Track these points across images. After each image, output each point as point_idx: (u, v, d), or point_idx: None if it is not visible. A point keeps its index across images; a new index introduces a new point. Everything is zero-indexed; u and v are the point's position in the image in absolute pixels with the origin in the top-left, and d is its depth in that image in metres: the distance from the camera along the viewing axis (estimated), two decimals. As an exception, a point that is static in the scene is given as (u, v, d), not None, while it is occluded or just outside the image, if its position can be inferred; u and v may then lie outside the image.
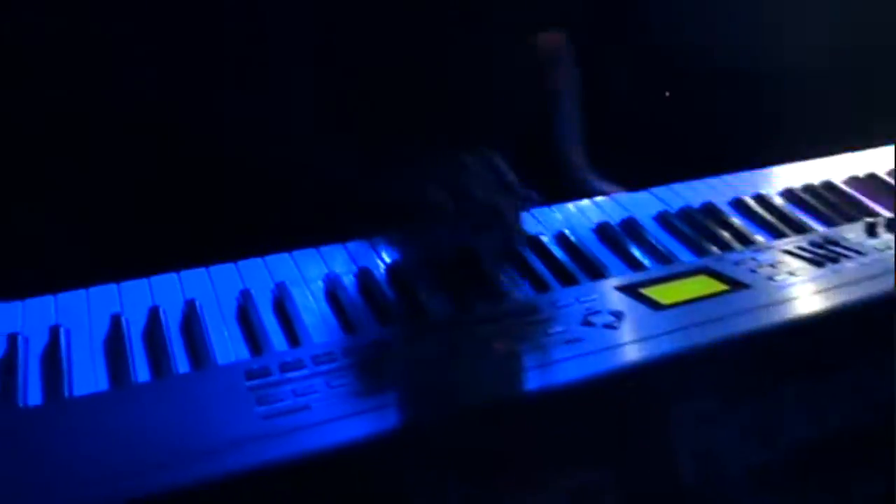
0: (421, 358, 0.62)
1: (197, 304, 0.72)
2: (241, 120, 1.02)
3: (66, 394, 0.62)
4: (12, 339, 0.67)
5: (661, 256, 0.83)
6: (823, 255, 0.79)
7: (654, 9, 1.33)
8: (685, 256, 0.84)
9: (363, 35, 0.99)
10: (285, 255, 0.80)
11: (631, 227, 0.88)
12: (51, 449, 0.53)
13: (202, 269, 0.77)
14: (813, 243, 0.82)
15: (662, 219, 0.91)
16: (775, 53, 1.27)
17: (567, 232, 0.86)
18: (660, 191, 0.97)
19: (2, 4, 0.94)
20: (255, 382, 0.59)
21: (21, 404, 0.61)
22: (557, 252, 0.82)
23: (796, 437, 0.68)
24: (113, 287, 0.75)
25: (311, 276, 0.77)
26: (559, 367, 0.61)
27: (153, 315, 0.70)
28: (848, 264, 0.77)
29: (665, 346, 0.63)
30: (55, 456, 0.52)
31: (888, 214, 0.90)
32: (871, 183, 1.03)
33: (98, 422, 0.55)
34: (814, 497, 0.71)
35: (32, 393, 0.62)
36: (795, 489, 0.69)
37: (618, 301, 0.70)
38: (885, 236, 0.83)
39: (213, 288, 0.75)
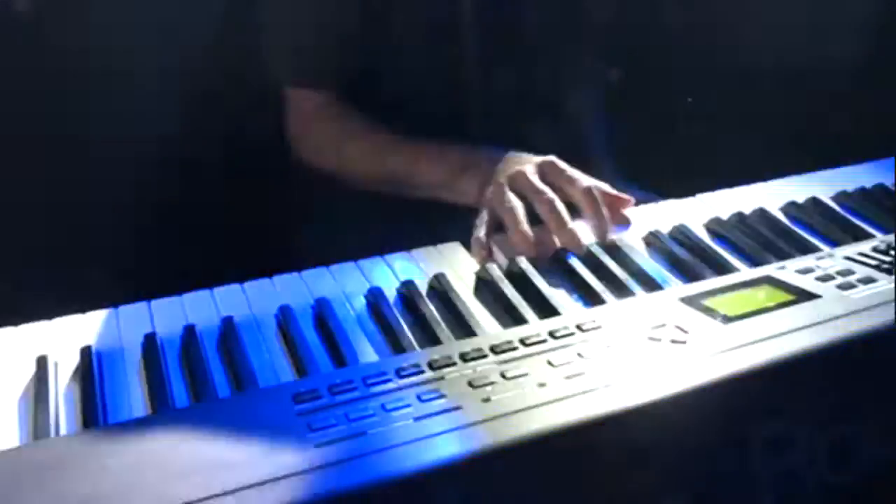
0: (479, 379, 0.58)
1: (235, 321, 0.68)
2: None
3: (101, 421, 0.58)
4: (41, 362, 0.63)
5: (717, 265, 0.79)
6: (891, 263, 0.74)
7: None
8: (741, 265, 0.80)
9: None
10: (322, 270, 0.76)
11: (682, 236, 0.84)
12: (85, 482, 0.49)
13: (236, 286, 0.74)
14: (877, 249, 0.78)
15: (713, 226, 0.87)
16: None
17: (617, 241, 0.81)
18: (708, 197, 0.93)
19: None
20: (304, 406, 0.55)
21: (52, 433, 0.57)
22: (609, 262, 0.78)
23: (877, 457, 0.64)
24: (143, 305, 0.71)
25: (352, 290, 0.73)
26: (629, 385, 0.57)
27: (189, 335, 0.66)
28: (916, 271, 0.73)
29: (740, 361, 0.59)
30: (89, 490, 0.48)
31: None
32: (925, 186, 0.99)
33: (135, 451, 0.52)
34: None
35: (65, 420, 0.58)
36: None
37: (681, 314, 0.66)
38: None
39: (248, 305, 0.71)
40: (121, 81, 0.98)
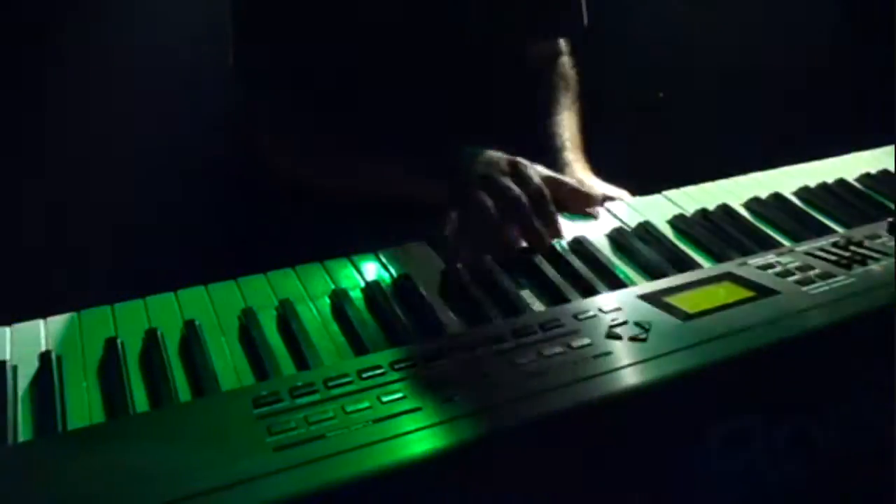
0: (438, 380, 0.58)
1: (197, 324, 0.67)
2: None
3: (59, 427, 0.57)
4: None
5: (679, 262, 0.79)
6: (849, 258, 0.75)
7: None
8: (704, 262, 0.81)
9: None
10: (288, 271, 0.76)
11: (646, 233, 0.85)
12: (42, 490, 0.48)
13: (200, 288, 0.73)
14: (836, 245, 0.79)
15: (677, 222, 0.88)
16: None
17: (581, 239, 0.82)
18: (672, 194, 0.94)
19: None
20: (264, 410, 0.55)
21: (10, 439, 0.56)
22: (574, 260, 0.78)
23: (839, 452, 0.65)
24: (106, 309, 0.70)
25: (317, 292, 0.73)
26: (590, 384, 0.57)
27: (150, 338, 0.66)
28: (876, 266, 0.74)
29: (698, 357, 0.60)
30: (46, 498, 0.48)
31: (909, 213, 0.87)
32: (885, 180, 1.00)
33: (94, 458, 0.51)
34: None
35: (22, 427, 0.58)
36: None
37: (642, 311, 0.67)
38: (909, 236, 0.80)
39: (212, 307, 0.71)
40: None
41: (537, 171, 0.81)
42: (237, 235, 1.00)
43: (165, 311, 0.70)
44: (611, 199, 0.80)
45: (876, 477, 0.68)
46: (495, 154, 0.84)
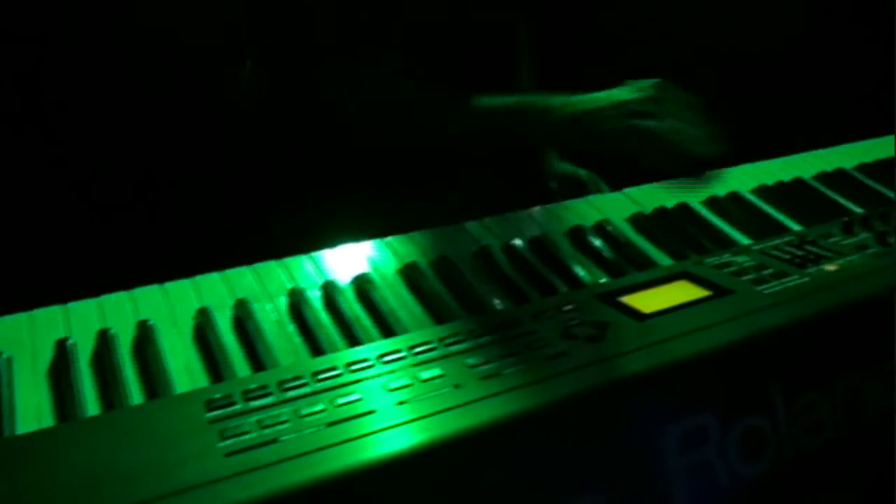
0: (395, 383, 0.58)
1: (151, 325, 0.67)
2: None
3: (7, 431, 0.56)
4: (-54, 370, 0.62)
5: (637, 261, 0.80)
6: (803, 257, 0.76)
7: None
8: (662, 260, 0.81)
9: None
10: (244, 269, 0.75)
11: (605, 231, 0.85)
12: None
13: (155, 287, 0.72)
14: (791, 244, 0.80)
15: (636, 221, 0.88)
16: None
17: (541, 238, 0.82)
18: (633, 191, 0.94)
19: None
20: (217, 413, 0.54)
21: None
22: (532, 259, 0.78)
23: (791, 448, 0.65)
24: (57, 309, 0.69)
25: (274, 291, 0.73)
26: (542, 385, 0.57)
27: (102, 339, 0.65)
28: (829, 266, 0.75)
29: (652, 358, 0.60)
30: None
31: (861, 212, 0.88)
32: (841, 180, 1.01)
33: (43, 464, 0.50)
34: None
35: (-31, 431, 0.57)
36: (790, 500, 0.66)
37: (599, 311, 0.67)
38: (863, 234, 0.81)
39: (168, 306, 0.70)
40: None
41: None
42: (204, 230, 0.98)
43: (119, 311, 0.69)
44: None
45: (830, 474, 0.69)
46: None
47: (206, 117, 1.05)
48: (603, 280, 0.76)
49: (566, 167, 1.19)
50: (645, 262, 0.80)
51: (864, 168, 1.04)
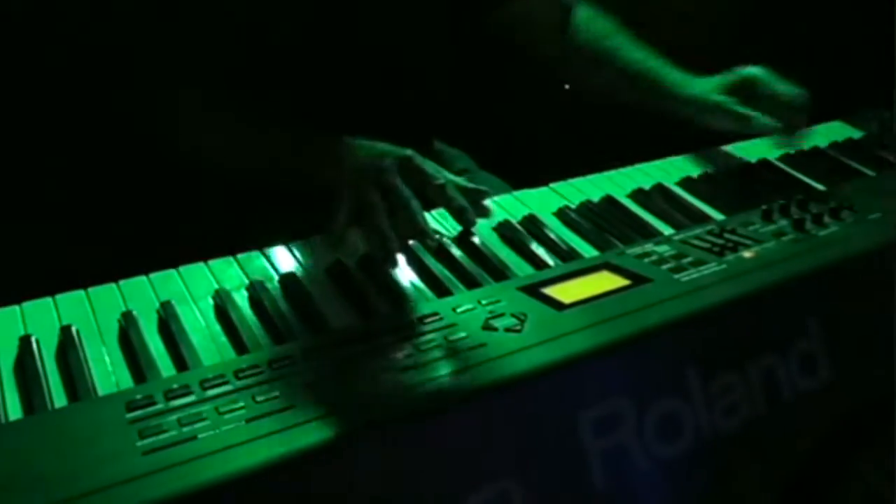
0: (319, 375, 0.59)
1: (74, 330, 0.66)
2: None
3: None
4: None
5: (562, 253, 0.82)
6: (722, 245, 0.79)
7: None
8: (587, 252, 0.83)
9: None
10: (171, 272, 0.75)
11: (531, 225, 0.87)
12: None
13: (80, 292, 0.72)
14: (712, 232, 0.82)
15: (562, 214, 0.90)
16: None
17: (468, 232, 0.83)
18: (559, 186, 0.96)
19: None
20: (137, 413, 0.55)
21: None
22: (458, 254, 0.79)
23: (706, 429, 0.67)
24: (-20, 316, 0.69)
25: (200, 293, 0.73)
26: (462, 375, 0.58)
27: (24, 345, 0.65)
28: (746, 253, 0.77)
29: (568, 346, 0.62)
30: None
31: (782, 201, 0.91)
32: (763, 170, 1.04)
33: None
34: (723, 487, 0.70)
35: None
36: (704, 481, 0.68)
37: (520, 302, 0.68)
38: (781, 222, 0.84)
39: (91, 311, 0.70)
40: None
41: (426, 168, 0.81)
42: (121, 235, 0.98)
43: (42, 317, 0.69)
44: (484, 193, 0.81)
45: (748, 452, 0.71)
46: (388, 148, 0.85)
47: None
48: (527, 273, 0.78)
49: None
50: (570, 255, 0.81)
51: (786, 158, 1.07)
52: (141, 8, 0.94)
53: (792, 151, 1.08)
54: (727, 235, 0.81)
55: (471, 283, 0.76)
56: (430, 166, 0.82)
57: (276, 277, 0.76)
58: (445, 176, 0.81)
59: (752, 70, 1.03)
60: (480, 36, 1.22)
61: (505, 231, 0.85)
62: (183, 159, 0.98)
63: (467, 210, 0.77)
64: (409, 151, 0.83)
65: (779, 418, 0.72)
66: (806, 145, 1.10)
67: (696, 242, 0.80)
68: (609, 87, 1.13)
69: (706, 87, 1.05)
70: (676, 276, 0.73)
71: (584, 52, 1.13)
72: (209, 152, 0.97)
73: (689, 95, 1.05)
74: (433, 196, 0.79)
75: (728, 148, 1.10)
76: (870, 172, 1.03)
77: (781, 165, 1.05)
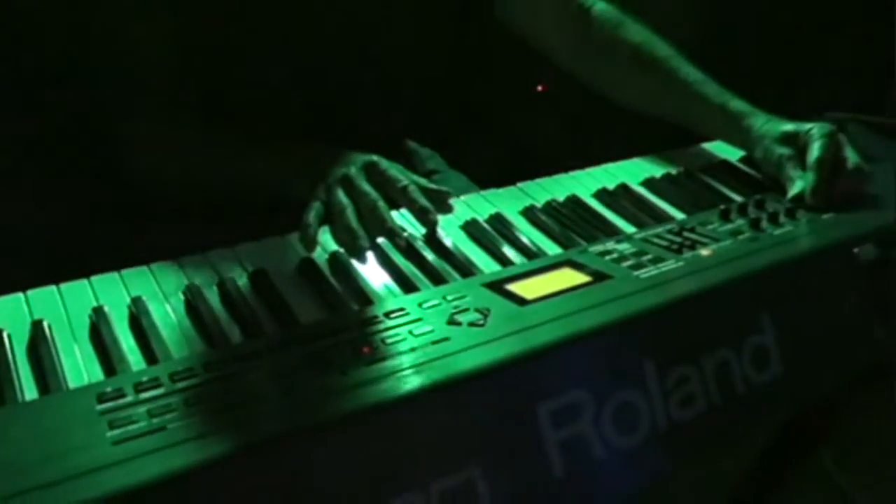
0: (285, 369, 0.61)
1: (45, 324, 0.68)
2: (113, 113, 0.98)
3: None
4: None
5: (527, 251, 0.84)
6: (681, 243, 0.81)
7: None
8: (552, 250, 0.85)
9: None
10: (143, 269, 0.77)
11: (498, 223, 0.89)
12: None
13: (51, 287, 0.73)
14: (671, 231, 0.85)
15: (528, 213, 0.92)
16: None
17: (435, 230, 0.85)
18: (526, 185, 0.98)
19: None
20: (107, 405, 0.56)
21: None
22: (425, 251, 0.81)
23: (665, 420, 0.70)
24: (-49, 312, 0.70)
25: (171, 289, 0.74)
26: (426, 368, 0.60)
27: (-4, 340, 0.66)
28: (704, 251, 0.80)
29: (529, 340, 0.64)
30: None
31: (740, 200, 0.94)
32: (724, 169, 1.07)
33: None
34: (682, 476, 0.73)
35: None
36: (659, 471, 0.71)
37: (484, 298, 0.70)
38: (739, 221, 0.87)
39: (63, 307, 0.71)
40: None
41: (390, 173, 0.83)
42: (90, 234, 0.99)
43: (14, 312, 0.70)
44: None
45: (704, 443, 0.74)
46: (354, 154, 0.87)
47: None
48: (493, 269, 0.80)
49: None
50: (534, 252, 0.83)
51: (747, 160, 1.10)
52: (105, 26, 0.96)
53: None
54: (686, 234, 0.84)
55: (437, 279, 0.78)
56: (395, 169, 0.84)
57: (247, 274, 0.77)
58: (409, 178, 0.83)
59: (817, 128, 0.96)
60: (480, 36, 1.23)
61: (472, 229, 0.88)
62: (152, 174, 1.00)
63: (429, 211, 0.79)
64: (374, 157, 0.85)
65: (732, 411, 0.74)
66: None
67: (656, 241, 0.82)
68: (648, 99, 1.10)
69: (771, 130, 0.99)
70: (636, 273, 0.75)
71: (614, 60, 1.10)
72: (180, 167, 0.99)
73: (756, 136, 1.00)
74: (397, 198, 0.81)
75: (692, 149, 1.13)
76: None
77: (742, 167, 1.08)
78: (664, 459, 0.71)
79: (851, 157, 0.94)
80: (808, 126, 0.97)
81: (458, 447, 0.60)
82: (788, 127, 0.98)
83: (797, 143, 0.97)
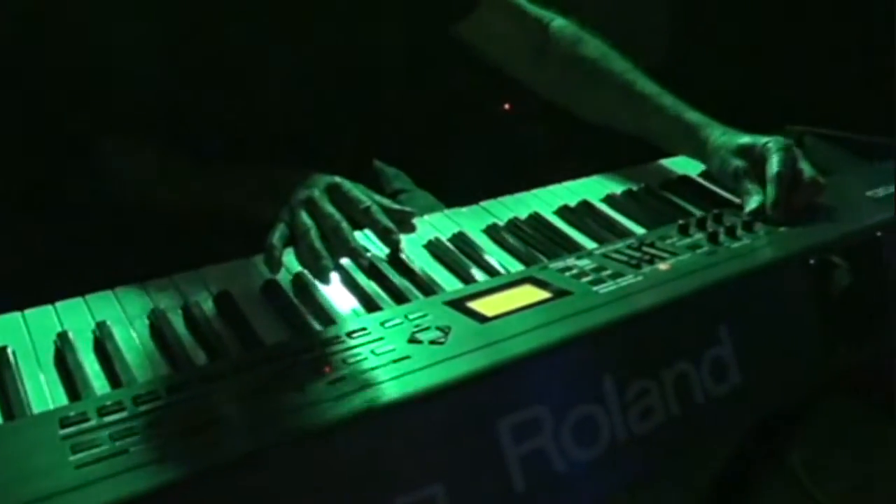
0: (248, 390, 0.61)
1: (10, 351, 0.68)
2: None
3: None
4: None
5: (490, 269, 0.85)
6: (640, 258, 0.83)
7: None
8: (514, 267, 0.87)
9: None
10: (107, 294, 0.77)
11: (461, 242, 0.90)
12: None
13: (16, 314, 0.74)
14: (631, 246, 0.87)
15: (491, 231, 0.94)
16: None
17: (398, 249, 0.87)
18: (489, 204, 1.00)
19: None
20: (70, 430, 0.56)
21: None
22: (388, 271, 0.83)
23: (624, 433, 0.71)
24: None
25: (135, 313, 0.75)
26: (386, 386, 0.61)
27: (-41, 367, 0.66)
28: (662, 265, 0.82)
29: (489, 357, 0.65)
30: None
31: (699, 214, 0.96)
32: (683, 186, 1.09)
33: None
34: (641, 488, 0.74)
35: None
36: (619, 484, 0.72)
37: (446, 316, 0.72)
38: (697, 235, 0.89)
39: (27, 332, 0.72)
40: None
41: (353, 194, 0.85)
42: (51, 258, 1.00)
43: (-22, 339, 0.70)
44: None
45: (663, 455, 0.75)
46: (318, 176, 0.88)
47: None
48: (456, 287, 0.81)
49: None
50: (497, 270, 0.85)
51: (706, 174, 1.12)
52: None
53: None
54: (645, 249, 0.86)
55: (400, 298, 0.79)
56: (357, 190, 0.85)
57: (212, 297, 0.78)
58: (372, 198, 0.84)
59: (773, 142, 0.97)
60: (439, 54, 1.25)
61: (435, 248, 0.89)
62: (117, 196, 1.00)
63: (392, 231, 0.80)
64: (337, 178, 0.87)
65: (691, 422, 0.76)
66: None
67: (615, 256, 0.84)
68: (606, 112, 1.13)
69: (728, 143, 1.01)
70: (595, 289, 0.76)
71: (572, 74, 1.13)
72: (144, 189, 0.99)
73: (712, 148, 1.02)
74: (359, 219, 0.83)
75: (652, 165, 1.15)
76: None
77: (702, 181, 1.10)
78: (624, 472, 0.73)
79: (807, 169, 0.96)
80: (764, 139, 0.99)
81: (420, 464, 0.61)
82: (745, 140, 1.00)
83: (753, 156, 0.98)
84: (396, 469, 0.60)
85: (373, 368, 0.63)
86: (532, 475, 0.65)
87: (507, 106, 2.11)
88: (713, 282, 0.79)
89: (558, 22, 1.15)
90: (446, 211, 0.98)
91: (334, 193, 0.84)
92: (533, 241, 0.92)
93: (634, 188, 1.07)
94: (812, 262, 0.85)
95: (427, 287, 0.81)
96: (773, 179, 0.94)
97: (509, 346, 0.67)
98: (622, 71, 1.10)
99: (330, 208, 0.82)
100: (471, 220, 0.95)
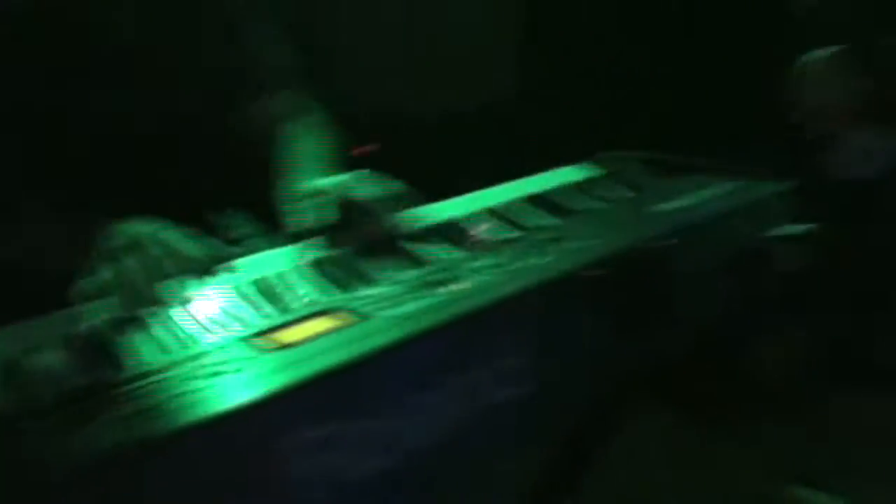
0: (46, 431, 0.65)
1: None
2: None
3: None
4: None
5: (297, 303, 0.91)
6: (435, 281, 0.91)
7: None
8: (323, 300, 0.92)
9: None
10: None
11: (279, 280, 0.96)
12: None
13: None
14: (428, 272, 0.94)
15: (302, 269, 1.00)
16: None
17: (196, 293, 0.92)
18: (305, 245, 1.06)
19: None
20: None
21: None
22: (197, 310, 0.88)
23: (417, 444, 0.78)
24: None
25: None
26: (178, 412, 0.67)
27: None
28: (453, 286, 0.89)
29: (281, 381, 0.71)
30: None
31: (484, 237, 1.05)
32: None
33: None
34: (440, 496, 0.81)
35: None
36: (414, 492, 0.79)
37: (245, 350, 0.77)
38: (484, 259, 0.97)
39: None
40: None
41: (162, 243, 0.91)
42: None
43: None
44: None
45: (456, 467, 0.83)
46: (128, 226, 0.94)
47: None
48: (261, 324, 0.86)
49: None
50: (305, 304, 0.90)
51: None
52: None
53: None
54: (438, 274, 0.93)
55: (193, 342, 0.83)
56: (164, 244, 0.92)
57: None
58: (179, 250, 0.91)
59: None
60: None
61: (249, 287, 0.94)
62: None
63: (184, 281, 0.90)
64: (144, 230, 0.93)
65: (485, 427, 0.83)
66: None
67: (413, 282, 0.92)
68: None
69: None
70: (388, 313, 0.83)
71: None
72: None
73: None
74: (166, 270, 0.89)
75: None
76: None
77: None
78: (418, 480, 0.79)
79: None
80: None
81: (219, 484, 0.66)
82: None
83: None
84: (192, 492, 0.65)
85: (169, 403, 0.68)
86: (328, 492, 0.71)
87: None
88: (502, 297, 0.87)
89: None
90: (268, 251, 1.06)
91: (135, 248, 0.90)
92: (339, 275, 0.97)
93: (436, 222, 1.12)
94: (588, 274, 0.95)
95: (232, 325, 0.86)
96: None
97: (301, 369, 0.72)
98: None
99: (130, 261, 0.88)
100: (287, 260, 1.02)
